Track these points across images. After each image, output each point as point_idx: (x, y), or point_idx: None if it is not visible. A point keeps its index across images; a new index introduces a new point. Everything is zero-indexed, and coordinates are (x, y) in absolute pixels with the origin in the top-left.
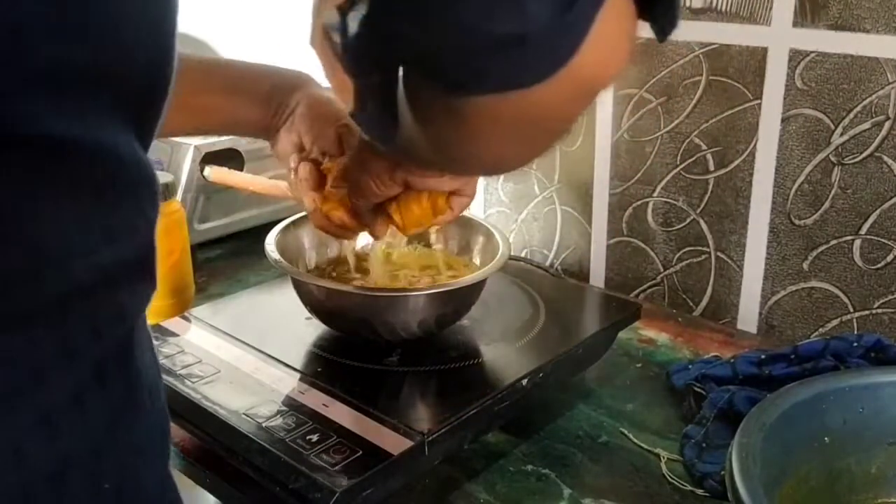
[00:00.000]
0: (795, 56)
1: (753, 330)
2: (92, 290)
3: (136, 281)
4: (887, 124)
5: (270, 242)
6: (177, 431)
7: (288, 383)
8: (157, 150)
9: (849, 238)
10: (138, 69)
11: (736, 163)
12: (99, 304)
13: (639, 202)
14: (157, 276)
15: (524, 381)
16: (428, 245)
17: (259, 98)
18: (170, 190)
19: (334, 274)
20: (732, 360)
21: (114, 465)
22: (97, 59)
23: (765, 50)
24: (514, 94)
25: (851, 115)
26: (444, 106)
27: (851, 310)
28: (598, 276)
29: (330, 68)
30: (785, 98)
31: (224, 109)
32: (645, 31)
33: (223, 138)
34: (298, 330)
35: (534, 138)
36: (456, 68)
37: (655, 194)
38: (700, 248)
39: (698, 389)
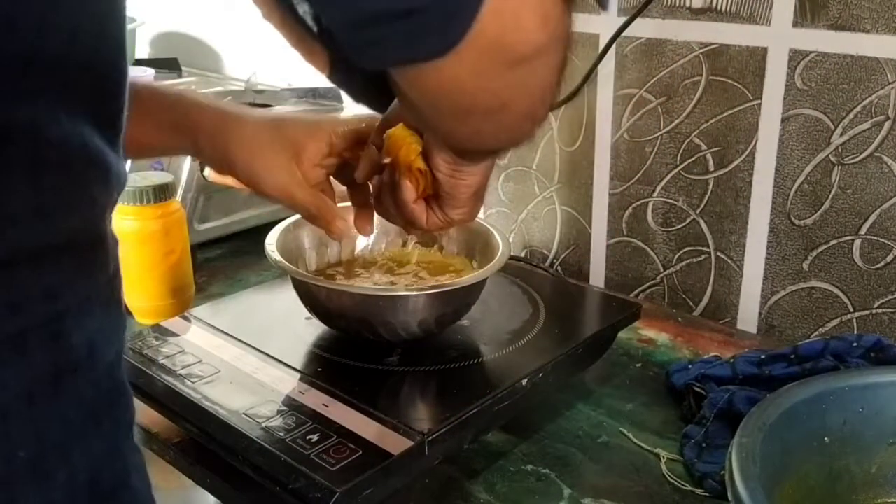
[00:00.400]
0: (795, 56)
1: (753, 330)
2: (6, 264)
3: (72, 264)
4: (887, 124)
5: (270, 242)
6: (177, 431)
7: (288, 383)
8: None
9: (849, 238)
10: (81, 58)
11: (736, 163)
12: (17, 278)
13: (639, 202)
14: (156, 275)
15: (524, 381)
16: (427, 245)
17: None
18: (170, 190)
19: (334, 274)
20: (732, 360)
21: (27, 433)
22: (33, 47)
23: (765, 50)
24: (428, 66)
25: (851, 115)
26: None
27: (851, 310)
28: (598, 276)
29: (294, 38)
30: (785, 98)
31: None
32: (645, 31)
33: None
34: (298, 330)
35: (474, 113)
36: (354, 43)
37: (655, 194)
38: (700, 248)
39: (698, 389)
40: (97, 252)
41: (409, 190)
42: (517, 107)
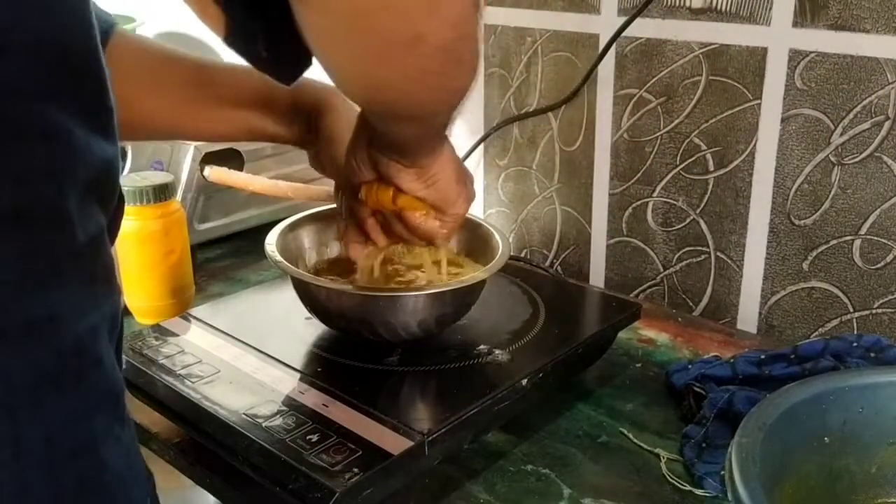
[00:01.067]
0: (795, 56)
1: (753, 330)
2: None
3: (23, 236)
4: (887, 124)
5: (270, 242)
6: (177, 431)
7: (288, 383)
8: (157, 150)
9: (849, 238)
10: (33, 29)
11: (736, 163)
12: None
13: (638, 202)
14: (156, 275)
15: (524, 381)
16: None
17: (285, 116)
18: (170, 190)
19: (334, 273)
20: (732, 360)
21: None
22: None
23: (765, 50)
24: None
25: (851, 115)
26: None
27: (851, 310)
28: (598, 276)
29: None
30: (785, 98)
31: (253, 124)
32: (645, 31)
33: None
34: (298, 330)
35: (391, 47)
36: None
37: (655, 194)
38: (700, 248)
39: (698, 389)
40: (56, 226)
41: (413, 217)
42: (434, 37)
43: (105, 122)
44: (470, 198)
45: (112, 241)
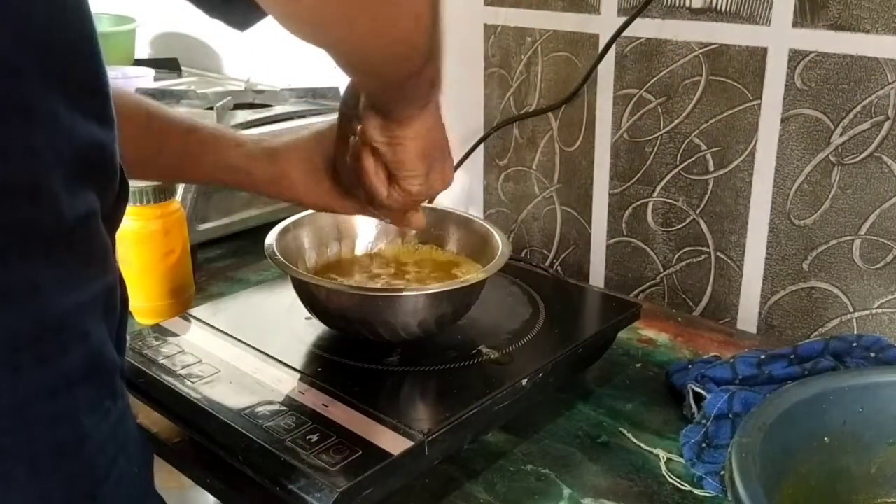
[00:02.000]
0: (795, 56)
1: (753, 330)
2: None
3: (6, 209)
4: (887, 124)
5: (270, 242)
6: (177, 431)
7: (288, 383)
8: None
9: (849, 238)
10: (31, 14)
11: (736, 163)
12: None
13: (638, 202)
14: (156, 275)
15: (524, 381)
16: (426, 243)
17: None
18: (170, 190)
19: (334, 274)
20: (732, 360)
21: None
22: None
23: (765, 50)
24: None
25: (851, 115)
26: None
27: (851, 310)
28: (597, 276)
29: None
30: (785, 98)
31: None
32: (645, 31)
33: None
34: (298, 330)
35: None
36: None
37: (655, 194)
38: (700, 248)
39: (698, 389)
40: (39, 202)
41: (368, 159)
42: None
43: (99, 106)
44: (428, 183)
45: (115, 226)
